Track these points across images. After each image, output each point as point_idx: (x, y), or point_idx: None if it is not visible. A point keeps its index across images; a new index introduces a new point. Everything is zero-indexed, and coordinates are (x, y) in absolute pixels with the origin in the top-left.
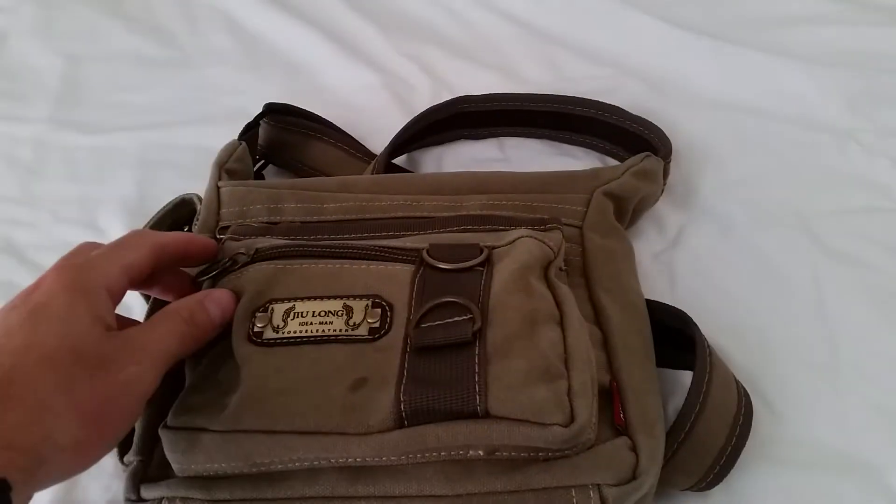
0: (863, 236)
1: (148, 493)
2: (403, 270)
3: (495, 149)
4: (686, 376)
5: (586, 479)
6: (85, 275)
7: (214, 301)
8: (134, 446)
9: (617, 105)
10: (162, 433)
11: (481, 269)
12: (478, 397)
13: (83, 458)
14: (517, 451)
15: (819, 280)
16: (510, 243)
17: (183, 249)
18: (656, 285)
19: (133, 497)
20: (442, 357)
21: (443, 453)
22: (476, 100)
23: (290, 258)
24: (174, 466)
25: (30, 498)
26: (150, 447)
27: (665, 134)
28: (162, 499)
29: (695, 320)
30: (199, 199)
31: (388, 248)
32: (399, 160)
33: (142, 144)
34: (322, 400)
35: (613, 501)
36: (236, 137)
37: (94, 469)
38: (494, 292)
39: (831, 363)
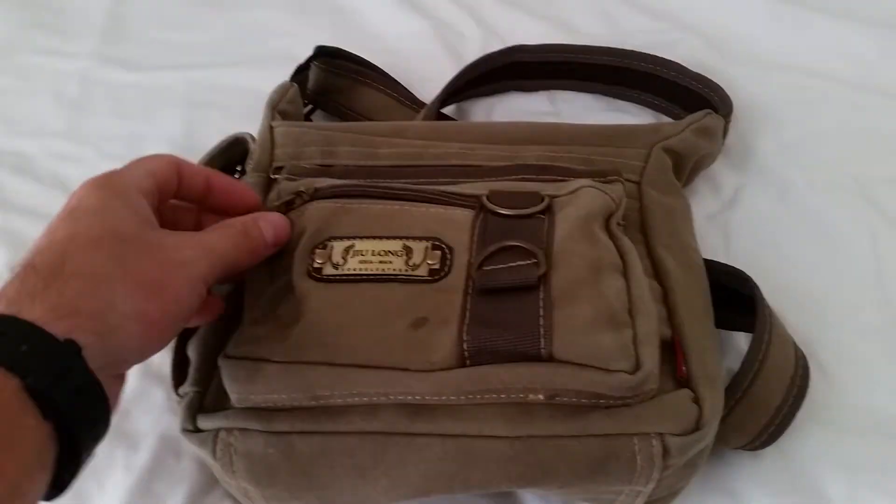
0: None
1: (205, 423)
2: (463, 214)
3: (546, 102)
4: (740, 339)
5: (649, 428)
6: (112, 178)
7: (268, 221)
8: (190, 377)
9: (676, 61)
10: (222, 362)
11: (543, 216)
12: (542, 340)
13: (151, 330)
14: (578, 396)
15: (877, 246)
16: (572, 192)
17: (203, 176)
18: (711, 246)
19: (190, 427)
20: (505, 300)
21: (503, 395)
22: (531, 49)
23: (350, 197)
24: (233, 397)
25: (113, 368)
26: (207, 378)
27: (726, 93)
28: (219, 430)
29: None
30: (253, 138)
31: (448, 192)
32: (448, 110)
33: (188, 83)
34: (383, 335)
35: (676, 451)
36: (286, 80)
37: (145, 402)
38: (558, 239)
39: (887, 330)
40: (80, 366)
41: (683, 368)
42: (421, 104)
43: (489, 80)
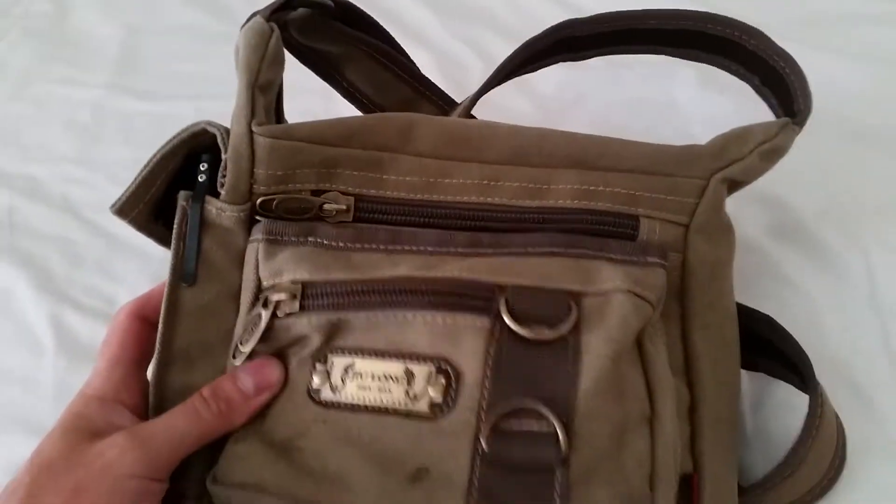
0: None
1: None
2: (475, 328)
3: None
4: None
5: None
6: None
7: (250, 369)
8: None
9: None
10: (212, 488)
11: (568, 340)
12: None
13: None
14: None
15: (871, 268)
16: (602, 295)
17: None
18: None
19: None
20: (519, 476)
21: None
22: (583, 22)
23: (346, 309)
24: None
25: None
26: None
27: (807, 80)
28: None
29: (746, 302)
30: (223, 135)
31: (459, 283)
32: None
33: (198, 111)
34: (381, 489)
35: None
36: (260, 18)
37: None
38: (583, 393)
39: (884, 351)
40: None
41: None
42: (421, 79)
43: (538, 59)
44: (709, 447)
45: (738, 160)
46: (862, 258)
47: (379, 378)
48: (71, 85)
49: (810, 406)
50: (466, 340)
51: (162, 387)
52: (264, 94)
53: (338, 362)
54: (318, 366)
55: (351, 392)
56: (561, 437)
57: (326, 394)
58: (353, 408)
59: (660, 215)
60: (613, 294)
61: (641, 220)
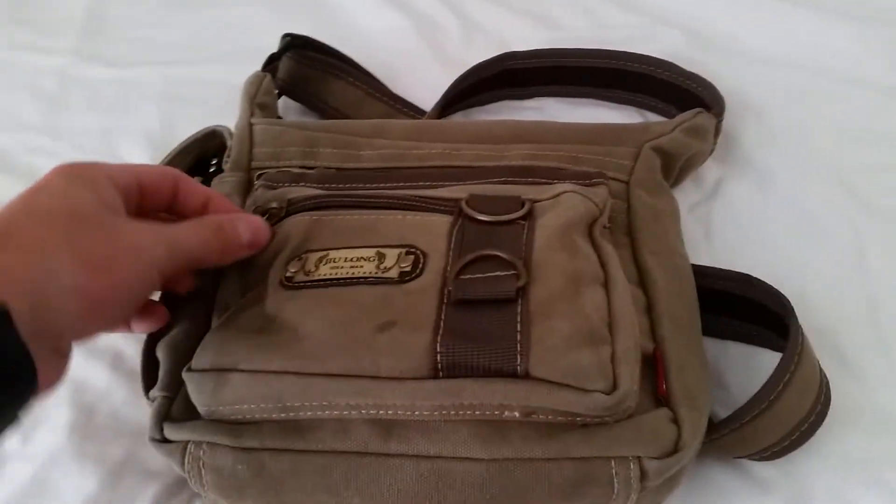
0: None
1: (172, 433)
2: (441, 221)
3: (537, 112)
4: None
5: (627, 451)
6: (84, 165)
7: (247, 223)
8: (159, 381)
9: (669, 60)
10: (186, 376)
11: (523, 222)
12: (518, 357)
13: (91, 308)
14: (555, 415)
15: (860, 236)
16: (553, 197)
17: (204, 196)
18: (692, 238)
19: (157, 437)
20: (482, 311)
21: (477, 412)
22: (522, 56)
23: (325, 209)
24: (200, 409)
25: (48, 340)
26: (177, 384)
27: (718, 91)
28: (188, 442)
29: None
30: (230, 133)
31: (425, 197)
32: None
33: (165, 79)
34: (349, 339)
35: (653, 474)
36: (259, 70)
37: (113, 423)
38: (537, 248)
39: (871, 319)
40: (8, 329)
41: (664, 386)
42: (394, 97)
43: (481, 89)
44: (668, 333)
45: (664, 134)
46: (849, 224)
47: (351, 260)
48: (35, 52)
49: (790, 334)
50: (432, 230)
51: None
52: (262, 110)
53: (312, 256)
54: (294, 262)
55: (323, 272)
56: (520, 271)
57: (300, 277)
58: (325, 282)
59: (601, 172)
60: (563, 194)
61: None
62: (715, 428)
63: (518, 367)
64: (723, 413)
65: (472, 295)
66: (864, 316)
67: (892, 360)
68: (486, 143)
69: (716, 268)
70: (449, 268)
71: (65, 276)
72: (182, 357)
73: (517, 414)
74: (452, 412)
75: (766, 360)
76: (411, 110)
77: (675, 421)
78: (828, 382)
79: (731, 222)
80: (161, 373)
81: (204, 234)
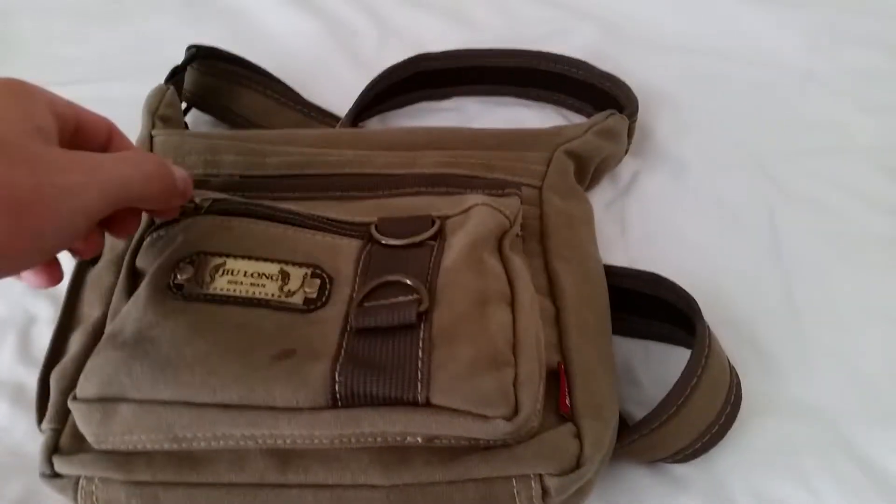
0: (821, 178)
1: (62, 467)
2: (350, 245)
3: (456, 114)
4: (653, 346)
5: (528, 469)
6: (23, 84)
7: (179, 171)
8: (48, 412)
9: (582, 59)
10: (72, 406)
11: (433, 242)
12: (419, 385)
13: (3, 249)
14: (457, 439)
15: (775, 223)
16: (464, 212)
17: (108, 128)
18: (607, 234)
19: (47, 472)
20: (384, 339)
21: (378, 439)
22: (436, 57)
23: (230, 215)
24: (89, 439)
25: None
26: (65, 413)
27: (632, 91)
28: (79, 478)
29: (649, 268)
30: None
31: (336, 220)
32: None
33: (76, 98)
34: (242, 369)
35: (555, 491)
36: (161, 83)
37: (12, 460)
38: (444, 269)
39: (787, 307)
40: None
41: (567, 402)
42: (308, 104)
43: (396, 92)
44: (575, 343)
45: (576, 137)
46: (765, 210)
47: (252, 275)
48: None
49: (697, 336)
50: (340, 252)
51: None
52: (165, 123)
53: (208, 262)
54: (183, 265)
55: (219, 286)
56: (423, 295)
57: (191, 288)
58: (222, 299)
59: (513, 179)
60: (473, 208)
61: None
62: (625, 434)
63: (419, 396)
64: (636, 411)
65: (372, 323)
66: (779, 305)
67: (806, 348)
68: (397, 150)
69: (626, 267)
70: (354, 294)
71: None
72: (70, 384)
73: (419, 439)
74: (353, 440)
75: (680, 357)
76: (326, 117)
77: (578, 436)
78: (738, 382)
79: (646, 217)
80: (49, 403)
81: (147, 168)
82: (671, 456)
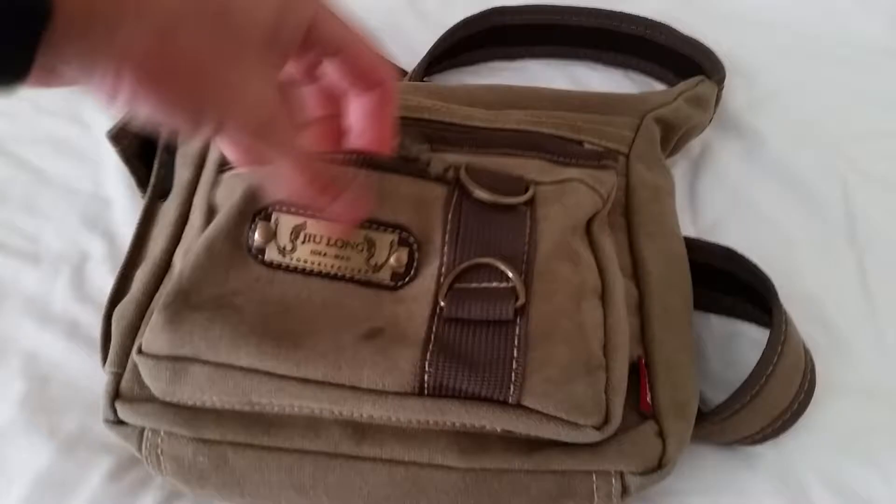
0: None
1: (126, 415)
2: (436, 193)
3: (520, 73)
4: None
5: (609, 466)
6: None
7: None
8: (109, 355)
9: (666, 23)
10: (138, 359)
11: (525, 208)
12: (512, 387)
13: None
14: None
15: (850, 202)
16: (559, 183)
17: (339, 44)
18: (678, 208)
19: (111, 418)
20: (477, 330)
21: (457, 424)
22: (510, 11)
23: None
24: (155, 392)
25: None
26: (125, 358)
27: (718, 57)
28: (144, 429)
29: (718, 241)
30: None
31: (419, 159)
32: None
33: None
34: (330, 347)
35: (635, 489)
36: None
37: (68, 393)
38: (542, 253)
39: (860, 287)
40: None
41: (648, 400)
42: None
43: (468, 47)
44: (658, 334)
45: (666, 104)
46: (839, 188)
47: (336, 244)
48: None
49: (774, 323)
50: (427, 204)
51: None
52: None
53: (284, 221)
54: (261, 222)
55: (303, 256)
56: (519, 289)
57: (273, 255)
58: (305, 272)
59: (601, 143)
60: (569, 182)
61: (585, 145)
62: (697, 422)
63: (510, 397)
64: (704, 388)
65: (466, 314)
66: (852, 284)
67: (880, 330)
68: (478, 106)
69: (699, 239)
70: (444, 269)
71: None
72: (130, 328)
73: (498, 429)
74: (432, 423)
75: (749, 334)
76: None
77: (661, 434)
78: (813, 367)
79: (717, 189)
80: (111, 345)
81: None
82: (741, 440)
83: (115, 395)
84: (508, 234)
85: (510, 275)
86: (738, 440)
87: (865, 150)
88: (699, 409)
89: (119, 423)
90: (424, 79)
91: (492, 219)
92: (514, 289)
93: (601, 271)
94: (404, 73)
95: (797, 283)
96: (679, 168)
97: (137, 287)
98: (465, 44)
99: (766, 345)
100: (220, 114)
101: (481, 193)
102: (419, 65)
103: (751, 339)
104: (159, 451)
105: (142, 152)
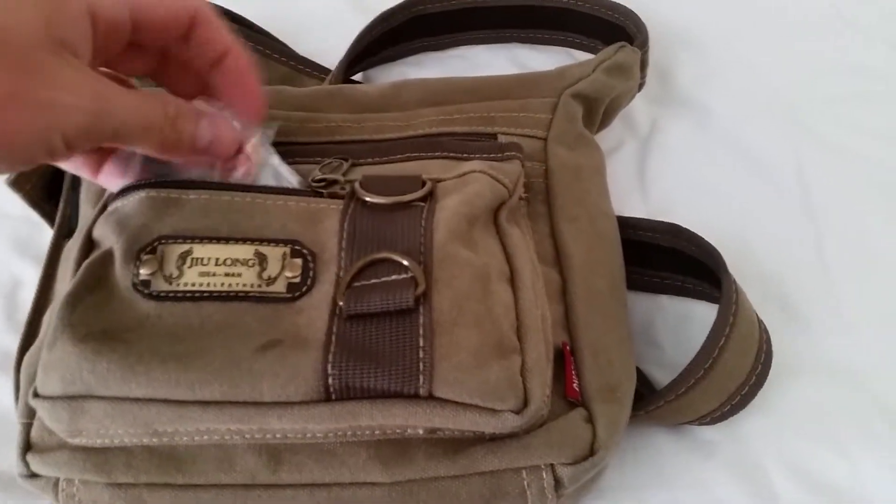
0: (853, 125)
1: (38, 467)
2: (330, 208)
3: (462, 61)
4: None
5: (538, 460)
6: None
7: (213, 124)
8: (19, 405)
9: None
10: (35, 404)
11: (422, 204)
12: (421, 377)
13: None
14: (462, 432)
15: (805, 173)
16: (459, 177)
17: (223, 48)
18: (625, 186)
19: (24, 472)
20: (379, 324)
21: (377, 432)
22: (432, 0)
23: (184, 187)
24: (60, 434)
25: None
26: (32, 407)
27: (640, 19)
28: (58, 480)
29: (669, 219)
30: None
31: (312, 179)
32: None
33: None
34: (224, 364)
35: (569, 481)
36: None
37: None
38: (438, 240)
39: (818, 262)
40: None
41: (574, 386)
42: (298, 59)
43: (394, 40)
44: (583, 318)
45: (583, 77)
46: (795, 162)
47: (225, 262)
48: None
49: (724, 292)
50: (320, 220)
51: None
52: None
53: (170, 250)
54: (146, 256)
55: (191, 279)
56: (419, 276)
57: (160, 285)
58: (195, 296)
59: (516, 131)
60: (470, 174)
61: (499, 137)
62: (650, 400)
63: (420, 389)
64: (656, 372)
65: (365, 308)
66: (810, 260)
67: (839, 306)
68: (390, 111)
69: (641, 218)
70: (341, 273)
71: None
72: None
73: (421, 431)
74: (350, 433)
75: (701, 312)
76: (316, 70)
77: (590, 420)
78: (768, 338)
79: (667, 167)
80: (20, 395)
81: (150, 115)
82: (697, 419)
83: (27, 446)
84: (405, 229)
85: (406, 264)
86: (696, 419)
87: (819, 117)
88: (650, 386)
89: (33, 476)
90: (350, 77)
91: (388, 218)
92: (413, 278)
93: (509, 257)
94: (328, 73)
95: (753, 260)
96: (627, 148)
97: (45, 331)
98: (388, 38)
99: (717, 315)
100: (58, 128)
101: (375, 198)
102: (339, 65)
103: (703, 319)
104: (76, 501)
105: (49, 192)
